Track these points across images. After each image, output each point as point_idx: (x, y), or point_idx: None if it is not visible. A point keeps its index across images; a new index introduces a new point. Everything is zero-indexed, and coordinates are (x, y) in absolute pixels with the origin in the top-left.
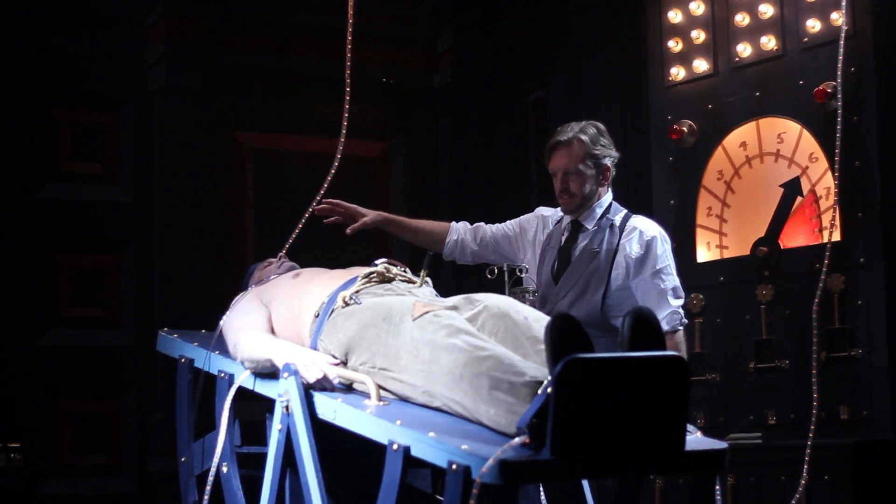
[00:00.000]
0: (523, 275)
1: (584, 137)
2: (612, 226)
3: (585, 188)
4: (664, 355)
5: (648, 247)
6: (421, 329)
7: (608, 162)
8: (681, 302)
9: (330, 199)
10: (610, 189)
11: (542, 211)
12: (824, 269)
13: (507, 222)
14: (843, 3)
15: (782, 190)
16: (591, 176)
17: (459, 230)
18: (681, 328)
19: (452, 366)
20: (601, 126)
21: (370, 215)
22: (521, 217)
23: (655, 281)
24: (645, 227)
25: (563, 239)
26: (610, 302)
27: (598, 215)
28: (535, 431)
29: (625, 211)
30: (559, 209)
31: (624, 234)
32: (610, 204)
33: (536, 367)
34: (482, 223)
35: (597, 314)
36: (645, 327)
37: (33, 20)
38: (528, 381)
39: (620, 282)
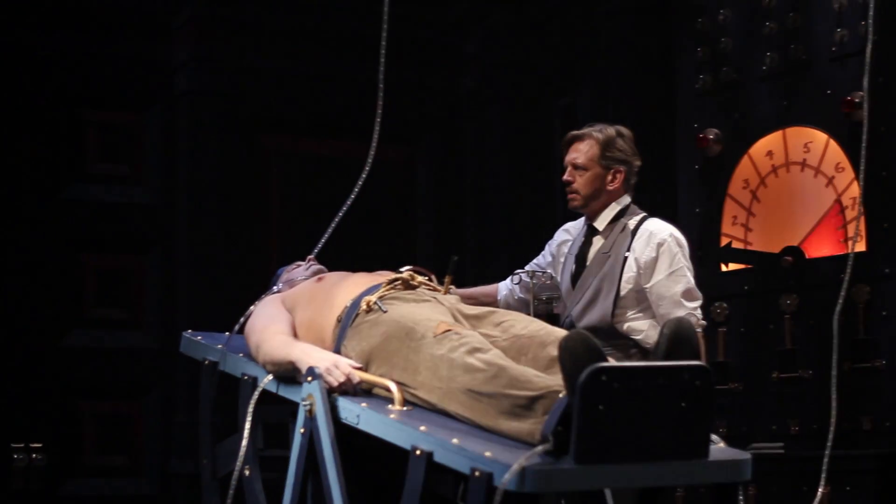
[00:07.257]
0: (545, 281)
1: (600, 136)
2: (625, 229)
3: (589, 187)
4: (688, 365)
5: (660, 249)
6: (440, 346)
7: (622, 167)
8: (696, 304)
9: None
10: (629, 193)
11: (564, 228)
12: (847, 279)
13: (538, 257)
14: (871, 12)
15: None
16: (598, 176)
17: (506, 286)
18: (699, 330)
19: (469, 385)
20: (625, 131)
21: None
22: (547, 244)
23: (668, 283)
24: (657, 230)
25: (581, 243)
26: (621, 305)
27: (611, 219)
28: (559, 439)
29: (642, 214)
30: (583, 218)
31: (636, 237)
32: (626, 207)
33: (552, 380)
34: (516, 270)
35: (607, 319)
36: (682, 339)
37: (60, 21)
38: (544, 394)
39: (632, 285)
